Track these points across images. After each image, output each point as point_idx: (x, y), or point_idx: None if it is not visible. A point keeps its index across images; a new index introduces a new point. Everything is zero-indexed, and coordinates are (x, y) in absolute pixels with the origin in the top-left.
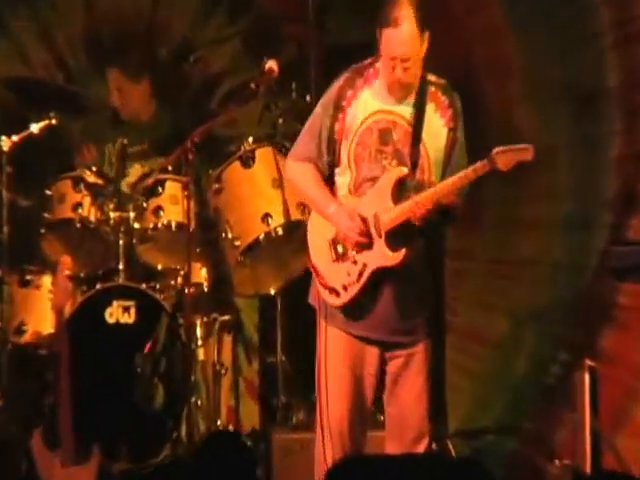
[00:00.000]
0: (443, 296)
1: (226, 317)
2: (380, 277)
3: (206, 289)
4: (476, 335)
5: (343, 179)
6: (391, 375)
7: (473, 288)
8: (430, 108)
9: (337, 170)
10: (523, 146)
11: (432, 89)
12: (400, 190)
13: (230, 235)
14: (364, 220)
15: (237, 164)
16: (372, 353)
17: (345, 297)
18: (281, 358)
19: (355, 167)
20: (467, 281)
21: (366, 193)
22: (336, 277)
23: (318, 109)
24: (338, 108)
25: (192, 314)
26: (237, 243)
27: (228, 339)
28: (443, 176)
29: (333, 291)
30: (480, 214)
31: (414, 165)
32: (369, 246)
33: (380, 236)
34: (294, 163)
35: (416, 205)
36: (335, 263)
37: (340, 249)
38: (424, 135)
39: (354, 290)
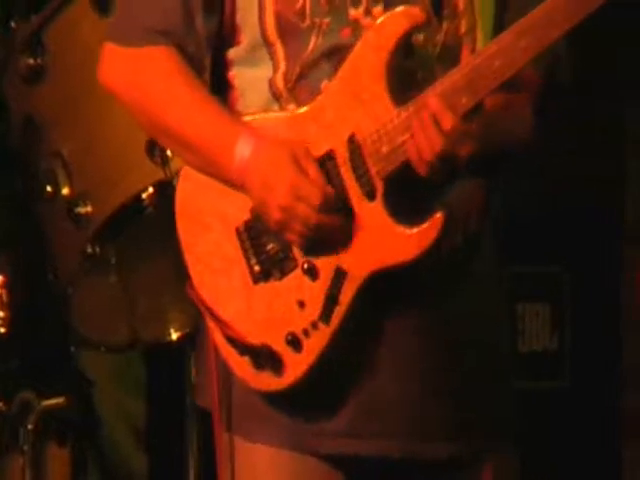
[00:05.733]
0: (618, 339)
1: (53, 402)
2: (380, 297)
3: (3, 330)
4: None
5: (255, 72)
6: None
7: None
8: None
9: (232, 53)
10: None
11: None
12: (407, 71)
13: (65, 190)
14: (326, 158)
15: (84, 4)
16: None
17: (298, 366)
18: None
19: (281, 35)
20: None
21: (321, 90)
22: (267, 321)
23: None
24: None
25: None
26: (84, 210)
27: (62, 458)
28: (501, 20)
29: (265, 359)
30: None
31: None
32: (344, 226)
33: (374, 194)
34: (124, 51)
35: (452, 100)
36: (260, 285)
37: (268, 246)
38: None
39: (320, 343)
